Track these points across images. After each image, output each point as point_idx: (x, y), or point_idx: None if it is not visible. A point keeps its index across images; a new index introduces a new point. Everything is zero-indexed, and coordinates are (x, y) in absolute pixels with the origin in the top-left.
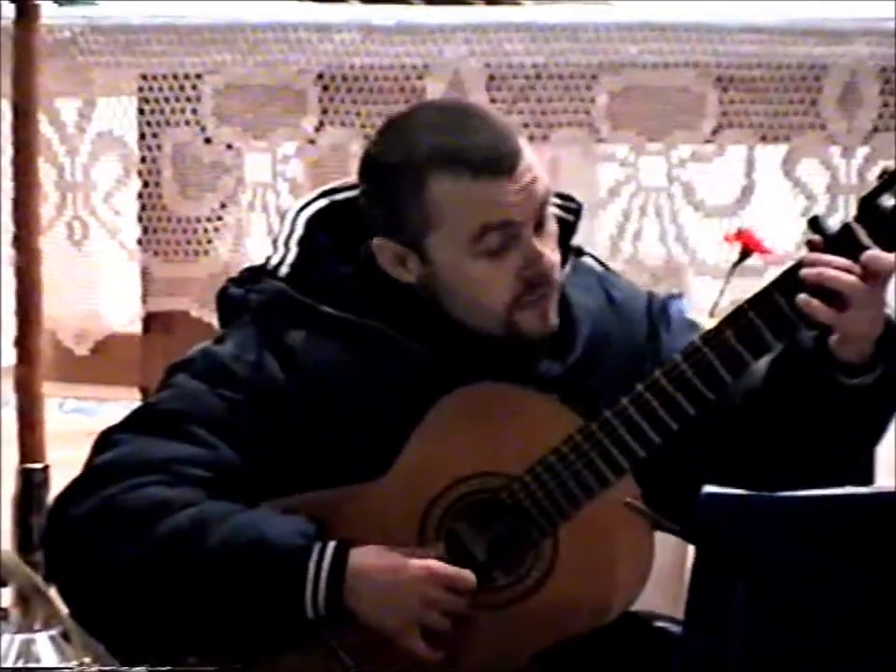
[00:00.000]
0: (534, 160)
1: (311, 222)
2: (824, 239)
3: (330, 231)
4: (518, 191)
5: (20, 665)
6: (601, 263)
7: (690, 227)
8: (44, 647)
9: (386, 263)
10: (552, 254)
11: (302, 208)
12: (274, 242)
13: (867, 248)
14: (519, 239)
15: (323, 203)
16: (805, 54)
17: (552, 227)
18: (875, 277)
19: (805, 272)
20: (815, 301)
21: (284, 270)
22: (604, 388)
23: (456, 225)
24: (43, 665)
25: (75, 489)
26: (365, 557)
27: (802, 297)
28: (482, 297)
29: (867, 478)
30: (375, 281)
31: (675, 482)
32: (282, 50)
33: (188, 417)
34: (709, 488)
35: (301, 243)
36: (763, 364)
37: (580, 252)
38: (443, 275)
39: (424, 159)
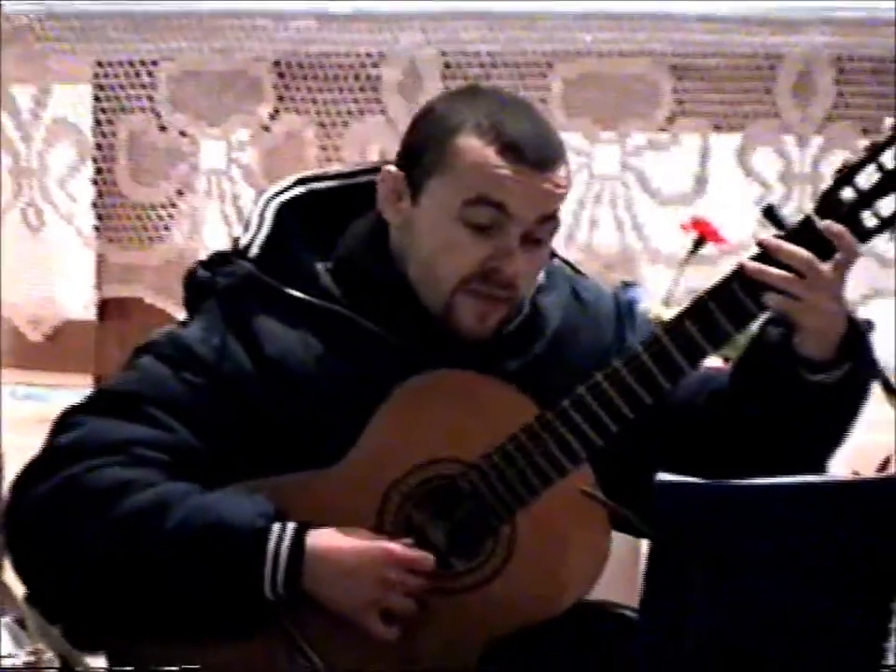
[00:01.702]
0: (567, 184)
1: (284, 208)
2: (782, 230)
3: (303, 219)
4: (531, 188)
5: None
6: (571, 266)
7: (644, 215)
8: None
9: (384, 193)
10: (524, 267)
11: (277, 194)
12: (246, 224)
13: (827, 240)
14: (504, 229)
15: (300, 190)
16: (760, 43)
17: (543, 251)
18: (842, 264)
19: (773, 274)
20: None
21: (254, 251)
22: (569, 384)
23: (459, 180)
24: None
25: (36, 468)
26: (324, 538)
27: (752, 265)
28: (440, 261)
29: (821, 469)
30: (346, 269)
31: (635, 473)
32: (237, 38)
33: (149, 400)
34: (664, 476)
35: (272, 226)
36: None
37: (551, 255)
38: (421, 225)
39: (470, 117)
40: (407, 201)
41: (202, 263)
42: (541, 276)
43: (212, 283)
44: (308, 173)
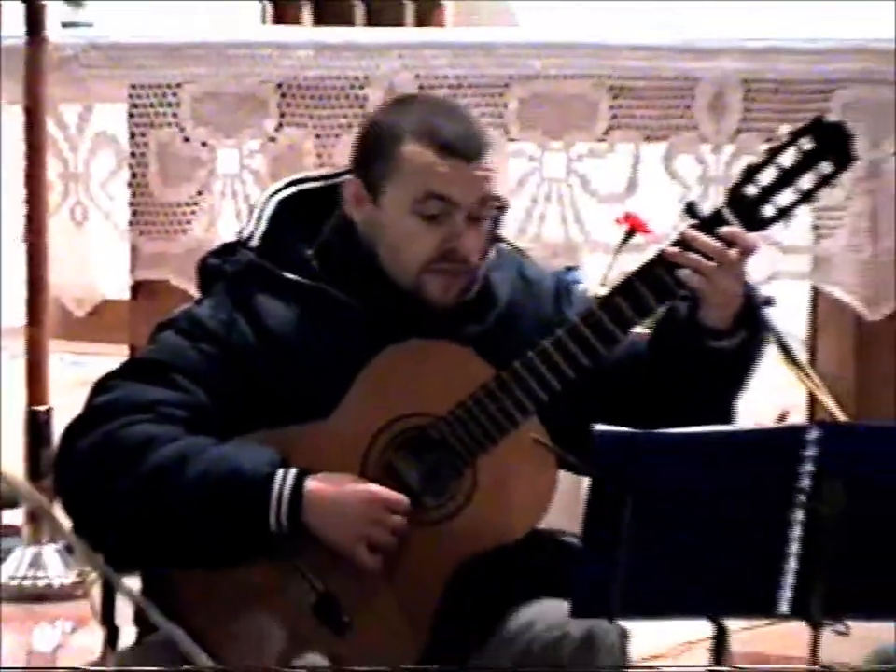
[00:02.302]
0: (493, 167)
1: (280, 205)
2: (699, 221)
3: (295, 213)
4: (467, 178)
5: (30, 573)
6: (517, 249)
7: (585, 211)
8: (50, 558)
9: (348, 198)
10: (474, 243)
11: (274, 193)
12: (249, 219)
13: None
14: (451, 216)
15: (292, 190)
16: (681, 68)
17: (486, 225)
18: (744, 252)
19: (689, 257)
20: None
21: (254, 242)
22: (519, 350)
23: (409, 182)
24: (50, 573)
25: (79, 425)
26: (320, 482)
27: (672, 250)
28: (404, 249)
29: (728, 420)
30: (328, 255)
31: (576, 423)
32: (247, 64)
33: (171, 367)
34: (600, 426)
35: (270, 221)
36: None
37: (500, 240)
38: (384, 221)
39: (408, 126)
40: (368, 203)
41: (212, 253)
42: (492, 256)
43: (221, 269)
44: (298, 175)
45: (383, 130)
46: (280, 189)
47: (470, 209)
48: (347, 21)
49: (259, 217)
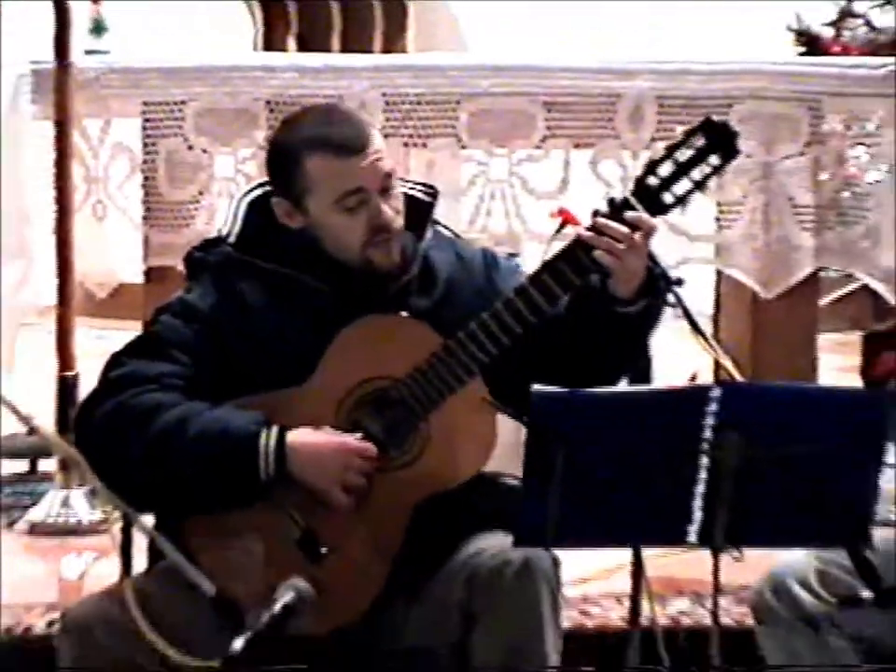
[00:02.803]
0: (382, 145)
1: (251, 204)
2: (610, 207)
3: (263, 210)
4: (366, 166)
5: (62, 512)
6: (452, 231)
7: (525, 207)
8: (78, 500)
9: (281, 215)
10: (393, 211)
11: (245, 194)
12: (227, 217)
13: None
14: (368, 200)
15: (260, 191)
16: (605, 87)
17: (396, 192)
18: (646, 234)
19: (603, 240)
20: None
21: (231, 238)
22: (459, 319)
23: (325, 190)
24: (78, 512)
25: (95, 395)
26: (299, 436)
27: (587, 235)
28: (343, 238)
29: (646, 379)
30: (296, 244)
31: (513, 382)
32: (241, 84)
33: (170, 344)
34: (536, 386)
35: (244, 219)
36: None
37: (437, 223)
38: (317, 224)
39: (302, 143)
40: (299, 216)
41: (195, 248)
42: (430, 236)
43: (205, 261)
44: (265, 178)
45: (284, 153)
46: (250, 191)
47: (379, 188)
48: (325, 47)
49: (235, 216)
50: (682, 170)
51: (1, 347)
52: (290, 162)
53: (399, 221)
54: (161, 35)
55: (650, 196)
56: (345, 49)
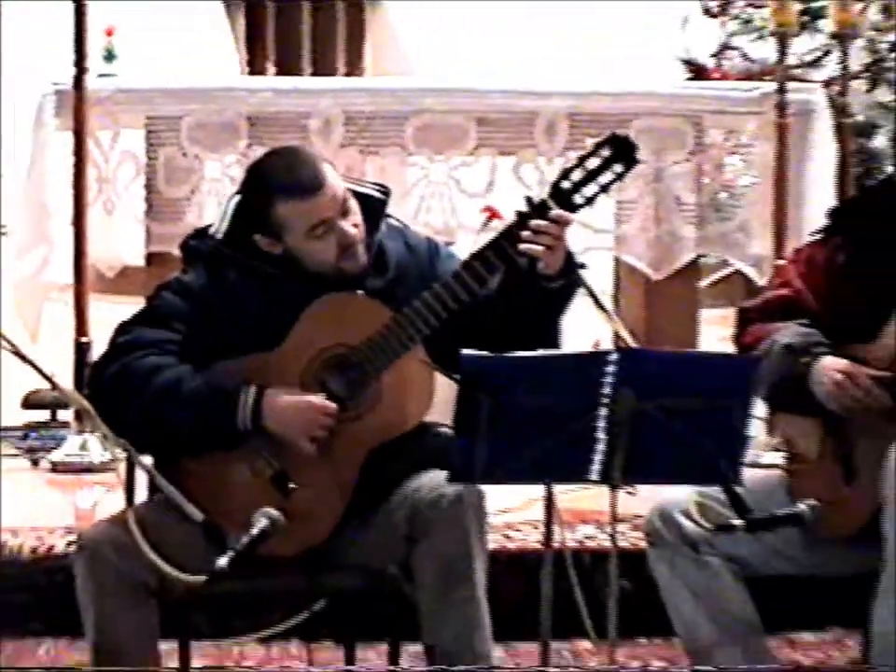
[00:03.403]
0: (335, 179)
1: (238, 204)
2: (532, 208)
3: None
4: (326, 202)
5: (78, 453)
6: (401, 222)
7: (459, 205)
8: (91, 443)
9: (263, 246)
10: (353, 226)
11: (233, 196)
12: (219, 213)
13: (553, 211)
14: (333, 226)
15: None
16: (525, 105)
17: (352, 208)
18: (562, 228)
19: (525, 233)
20: (531, 246)
21: (219, 235)
22: (406, 297)
23: (296, 226)
24: (91, 454)
25: (105, 358)
26: (272, 395)
27: (526, 235)
28: (318, 258)
29: (556, 345)
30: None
31: (449, 348)
32: (227, 103)
33: (168, 316)
34: (465, 351)
35: (231, 218)
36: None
37: (389, 216)
38: (296, 250)
39: (270, 194)
40: (278, 246)
41: (189, 237)
42: (384, 228)
43: (199, 249)
44: None
45: (257, 201)
46: (238, 192)
47: (339, 213)
48: (297, 72)
49: (225, 214)
50: (591, 176)
51: (28, 318)
52: (264, 208)
53: (360, 232)
54: (160, 61)
55: (564, 197)
56: (314, 73)
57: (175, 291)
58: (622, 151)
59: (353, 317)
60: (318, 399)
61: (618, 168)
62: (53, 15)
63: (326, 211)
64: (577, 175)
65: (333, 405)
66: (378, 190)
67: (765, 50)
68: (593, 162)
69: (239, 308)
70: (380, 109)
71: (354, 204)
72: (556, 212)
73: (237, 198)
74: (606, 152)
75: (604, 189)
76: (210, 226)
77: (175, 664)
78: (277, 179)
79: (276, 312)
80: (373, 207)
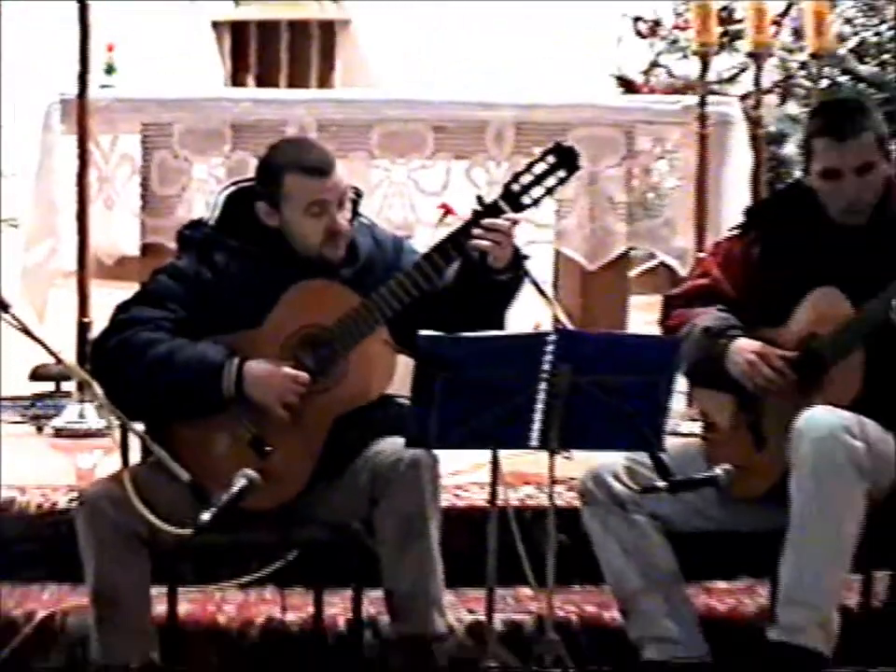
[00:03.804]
0: (341, 173)
1: (227, 198)
2: (485, 207)
3: (235, 203)
4: (329, 186)
5: (78, 420)
6: (370, 220)
7: (417, 203)
8: (90, 412)
9: (262, 215)
10: (344, 219)
11: (223, 190)
12: (209, 207)
13: (504, 212)
14: (328, 210)
15: (234, 188)
16: (477, 115)
17: (347, 206)
18: (511, 226)
19: (485, 222)
20: (483, 241)
21: (211, 222)
22: (373, 285)
23: (297, 200)
24: (89, 420)
25: (105, 334)
26: (252, 366)
27: (479, 232)
28: (306, 237)
29: (502, 327)
30: (263, 233)
31: (409, 329)
32: (213, 111)
33: (163, 297)
34: (423, 332)
35: (222, 207)
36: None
37: (360, 214)
38: (290, 223)
39: (282, 165)
40: (275, 216)
41: (184, 227)
42: (356, 226)
43: (191, 238)
44: (237, 179)
45: (270, 170)
46: (225, 188)
47: (336, 202)
48: (275, 84)
49: (215, 205)
50: (537, 180)
51: (35, 301)
52: (274, 178)
53: (347, 226)
54: (158, 73)
55: (513, 199)
56: (290, 85)
57: (170, 275)
58: (565, 158)
59: (326, 301)
60: (291, 369)
61: (561, 173)
62: (59, 31)
63: (327, 194)
64: (525, 179)
65: (304, 374)
66: (353, 191)
67: (689, 68)
68: (539, 168)
69: (226, 290)
70: (348, 118)
71: (349, 204)
72: (509, 215)
73: (228, 191)
74: (551, 159)
75: (549, 191)
76: (202, 218)
77: (164, 607)
78: (294, 155)
79: (259, 294)
80: (352, 210)
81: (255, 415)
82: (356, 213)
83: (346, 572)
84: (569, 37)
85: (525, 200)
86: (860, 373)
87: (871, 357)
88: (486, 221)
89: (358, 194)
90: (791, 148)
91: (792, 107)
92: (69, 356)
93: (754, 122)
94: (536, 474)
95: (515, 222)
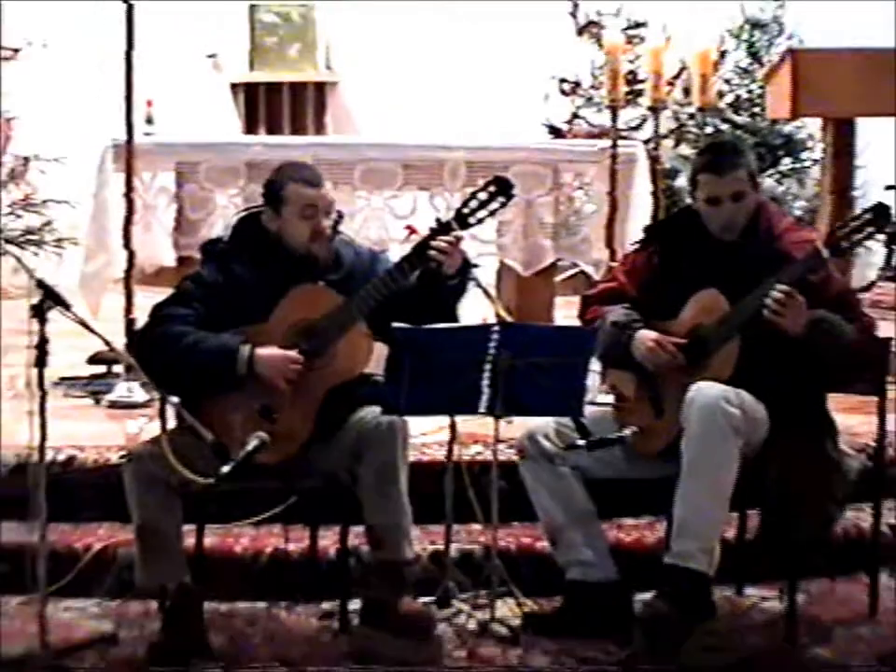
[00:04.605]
0: (328, 191)
1: (239, 220)
2: (440, 226)
3: (246, 224)
4: (320, 196)
5: (127, 394)
6: (350, 237)
7: (390, 224)
8: (136, 388)
9: (266, 220)
10: (326, 224)
11: (236, 215)
12: (226, 228)
13: (455, 230)
14: (316, 214)
15: (244, 213)
16: (437, 155)
17: (332, 216)
18: (459, 241)
19: (435, 244)
20: (438, 253)
21: (226, 239)
22: (353, 288)
23: (294, 204)
24: (135, 395)
25: (146, 328)
26: (262, 350)
27: (435, 245)
28: (298, 236)
29: (456, 320)
30: (267, 246)
31: (384, 324)
32: (232, 153)
33: (191, 298)
34: (396, 324)
35: (233, 229)
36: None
37: (341, 233)
38: (286, 224)
39: (285, 178)
40: (276, 219)
41: (206, 243)
42: (338, 241)
43: (212, 251)
44: (247, 206)
45: (275, 183)
46: (238, 213)
47: (324, 209)
48: (280, 132)
49: (230, 227)
50: (482, 205)
51: (91, 303)
52: (278, 188)
53: (329, 229)
54: (189, 123)
55: (463, 220)
56: (292, 132)
57: (195, 281)
58: (503, 188)
59: (317, 301)
60: (290, 353)
61: (501, 199)
62: (111, 92)
63: (318, 201)
64: (473, 204)
65: (300, 357)
66: (337, 215)
67: (602, 118)
68: (483, 195)
69: (239, 292)
70: (337, 158)
71: (332, 215)
72: (456, 232)
73: (240, 215)
74: (492, 188)
75: (491, 214)
76: (220, 236)
77: (192, 540)
78: (294, 171)
79: (265, 295)
80: (333, 225)
81: (263, 390)
82: (337, 231)
83: (336, 512)
84: (510, 94)
85: (472, 220)
86: (736, 355)
87: (745, 343)
88: (441, 237)
89: (340, 216)
90: (682, 181)
91: (684, 149)
92: (119, 344)
93: (654, 161)
94: (484, 435)
95: (460, 238)
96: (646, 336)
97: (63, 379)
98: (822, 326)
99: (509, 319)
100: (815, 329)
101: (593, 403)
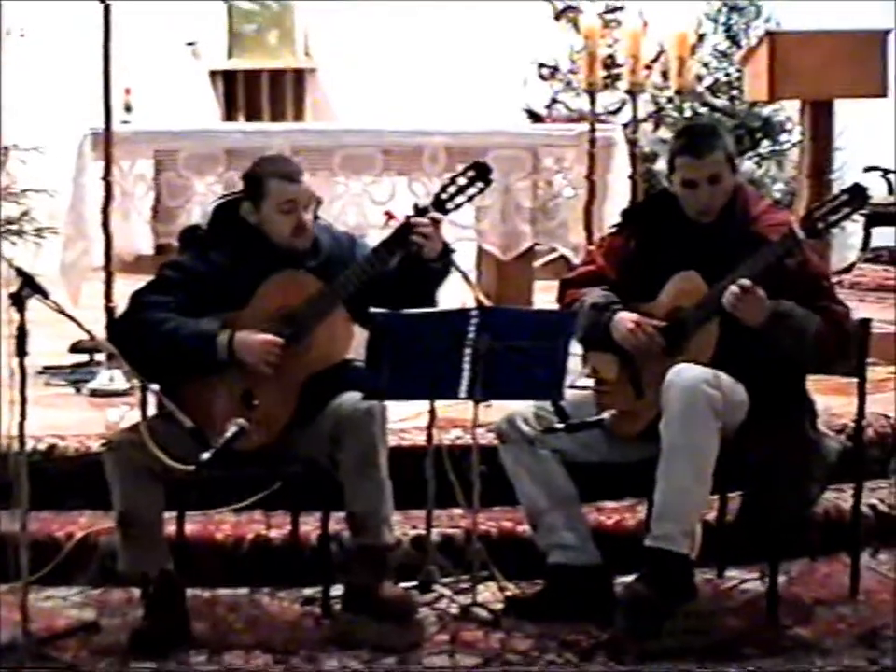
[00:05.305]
0: (309, 185)
1: (216, 208)
2: (418, 211)
3: (224, 211)
4: (300, 191)
5: (108, 383)
6: (328, 222)
7: (368, 210)
8: (117, 376)
9: (245, 214)
10: (307, 217)
11: (213, 202)
12: (204, 216)
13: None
14: (296, 209)
15: (222, 201)
16: (416, 140)
17: (311, 208)
18: (438, 224)
19: (417, 228)
20: (418, 238)
21: (203, 227)
22: (333, 274)
23: (274, 199)
24: (116, 383)
25: (125, 315)
26: (241, 335)
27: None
28: (279, 230)
29: (434, 305)
30: (246, 234)
31: (363, 308)
32: (210, 140)
33: (169, 284)
34: (374, 309)
35: (212, 216)
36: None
37: (319, 217)
38: (266, 219)
39: (265, 173)
40: (256, 214)
41: (184, 230)
42: (317, 226)
43: (190, 238)
44: (224, 194)
45: (255, 177)
46: (216, 200)
47: (304, 204)
48: (259, 118)
49: (208, 214)
50: (460, 190)
51: (71, 290)
52: (257, 182)
53: (311, 223)
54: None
55: (441, 205)
56: (271, 119)
57: (174, 268)
58: (482, 173)
59: (296, 287)
60: (270, 336)
61: (479, 185)
62: (89, 80)
63: (297, 196)
64: (451, 190)
65: (280, 340)
66: (315, 199)
67: (581, 103)
68: (462, 181)
69: (218, 279)
70: (316, 144)
71: (313, 209)
72: (433, 214)
73: (217, 202)
74: (471, 173)
75: (469, 199)
76: (198, 223)
77: (174, 527)
78: (276, 167)
79: (244, 281)
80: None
81: (244, 375)
82: (315, 217)
83: (317, 498)
84: (489, 79)
85: (450, 206)
86: (715, 337)
87: (724, 325)
88: (420, 222)
89: (319, 202)
90: (661, 165)
91: (663, 132)
92: (99, 333)
93: (632, 144)
94: (463, 419)
95: (438, 222)
96: (625, 318)
97: (46, 368)
98: (785, 322)
99: (488, 303)
100: (777, 323)
101: (573, 387)
